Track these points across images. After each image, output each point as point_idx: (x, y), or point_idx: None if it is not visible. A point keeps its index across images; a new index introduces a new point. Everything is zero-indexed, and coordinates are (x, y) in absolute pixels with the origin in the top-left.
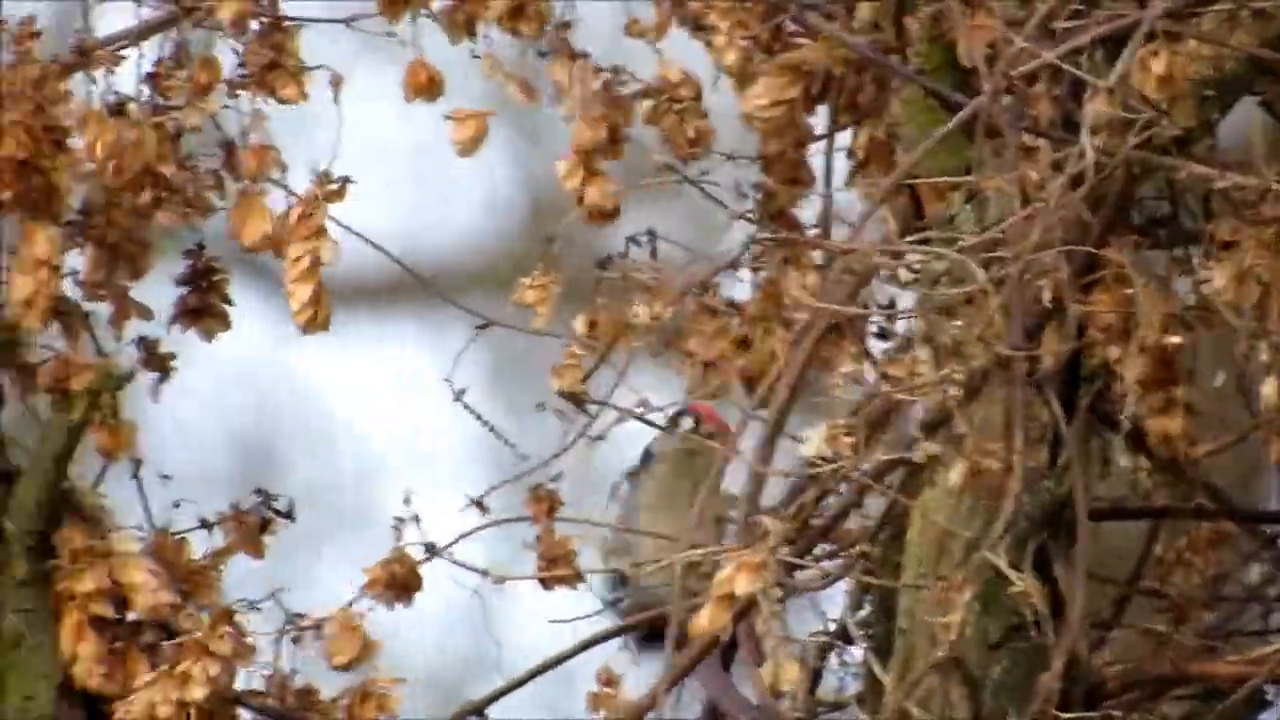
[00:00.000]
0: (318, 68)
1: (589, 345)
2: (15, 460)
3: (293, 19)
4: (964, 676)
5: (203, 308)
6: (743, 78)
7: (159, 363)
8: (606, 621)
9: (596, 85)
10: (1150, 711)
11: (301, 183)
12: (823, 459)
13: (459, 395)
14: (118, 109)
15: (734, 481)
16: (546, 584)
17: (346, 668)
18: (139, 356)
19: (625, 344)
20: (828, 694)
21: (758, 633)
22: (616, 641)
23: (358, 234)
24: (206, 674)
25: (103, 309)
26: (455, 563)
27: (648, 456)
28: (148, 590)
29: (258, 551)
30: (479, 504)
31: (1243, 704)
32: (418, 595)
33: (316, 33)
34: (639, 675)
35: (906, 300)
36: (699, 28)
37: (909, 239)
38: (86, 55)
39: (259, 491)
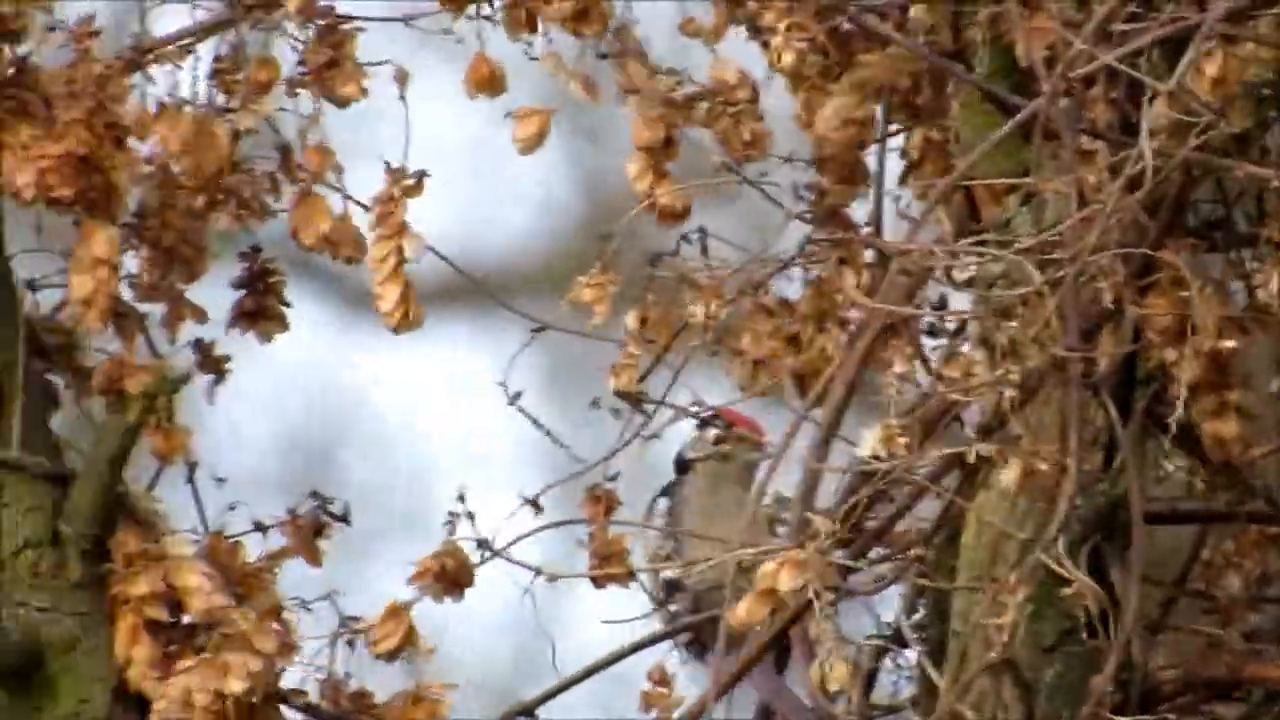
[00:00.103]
0: (381, 63)
1: (645, 345)
2: (70, 464)
3: (351, 18)
4: (1017, 679)
5: (259, 310)
6: (796, 79)
7: (214, 365)
8: (659, 622)
9: (657, 86)
10: (1205, 715)
11: (358, 183)
12: (877, 459)
13: (514, 398)
14: (180, 107)
15: (783, 484)
16: (599, 582)
17: (390, 657)
18: (194, 359)
19: (681, 343)
20: (882, 697)
21: (811, 635)
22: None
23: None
24: (247, 668)
25: (158, 311)
26: (509, 560)
27: (681, 467)
28: (202, 594)
29: (314, 558)
30: (534, 504)
31: None
32: (472, 596)
33: (373, 31)
34: (689, 676)
35: (956, 300)
36: (756, 29)
37: (965, 241)
38: (146, 54)
39: (314, 494)
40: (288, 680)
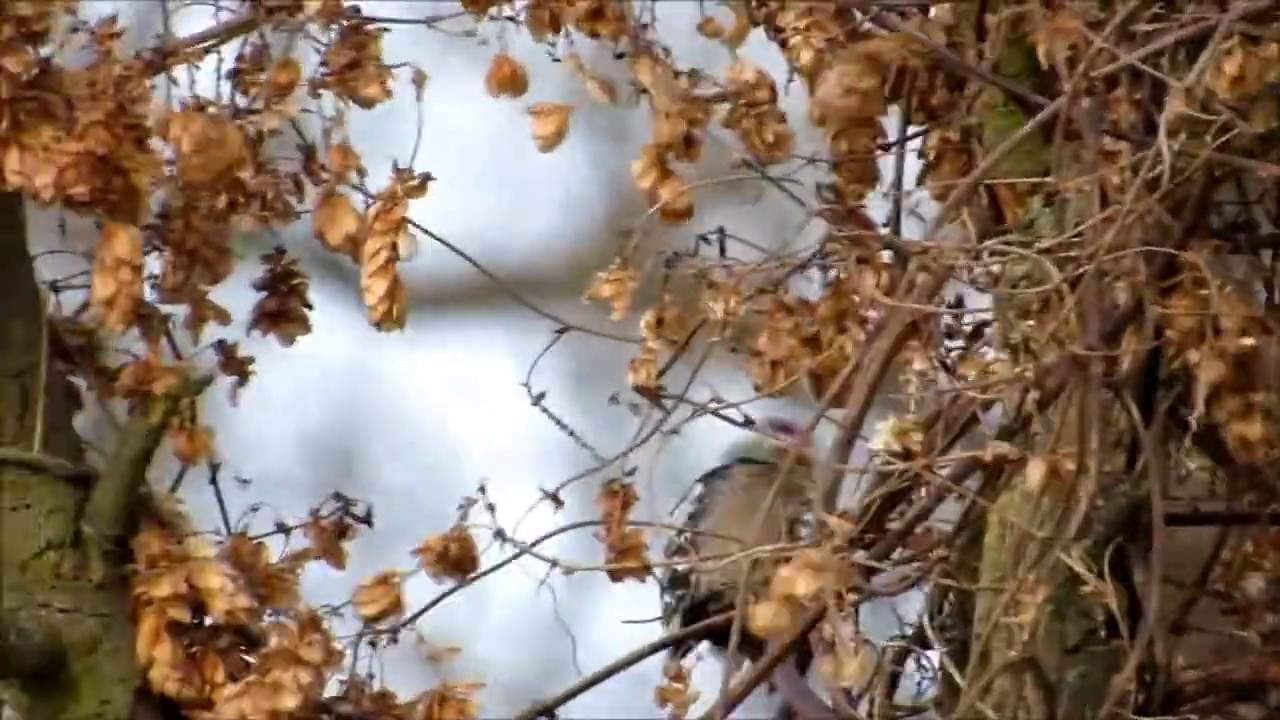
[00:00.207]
0: (401, 65)
1: (665, 341)
2: (92, 465)
3: (373, 19)
4: (1040, 680)
5: (281, 312)
6: (814, 79)
7: (237, 367)
8: (679, 622)
9: (677, 85)
10: (1228, 716)
11: (382, 184)
12: (894, 455)
13: (537, 399)
14: (198, 109)
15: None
16: (615, 576)
17: (373, 621)
18: (217, 360)
19: (701, 340)
20: (905, 698)
21: (825, 636)
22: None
23: (440, 239)
24: (298, 682)
25: (181, 313)
26: (532, 554)
27: (728, 462)
28: (225, 595)
29: (338, 560)
30: (553, 497)
31: None
32: (494, 595)
33: (397, 33)
34: (704, 674)
35: (971, 299)
36: (776, 29)
37: (989, 242)
38: (168, 55)
39: (337, 496)
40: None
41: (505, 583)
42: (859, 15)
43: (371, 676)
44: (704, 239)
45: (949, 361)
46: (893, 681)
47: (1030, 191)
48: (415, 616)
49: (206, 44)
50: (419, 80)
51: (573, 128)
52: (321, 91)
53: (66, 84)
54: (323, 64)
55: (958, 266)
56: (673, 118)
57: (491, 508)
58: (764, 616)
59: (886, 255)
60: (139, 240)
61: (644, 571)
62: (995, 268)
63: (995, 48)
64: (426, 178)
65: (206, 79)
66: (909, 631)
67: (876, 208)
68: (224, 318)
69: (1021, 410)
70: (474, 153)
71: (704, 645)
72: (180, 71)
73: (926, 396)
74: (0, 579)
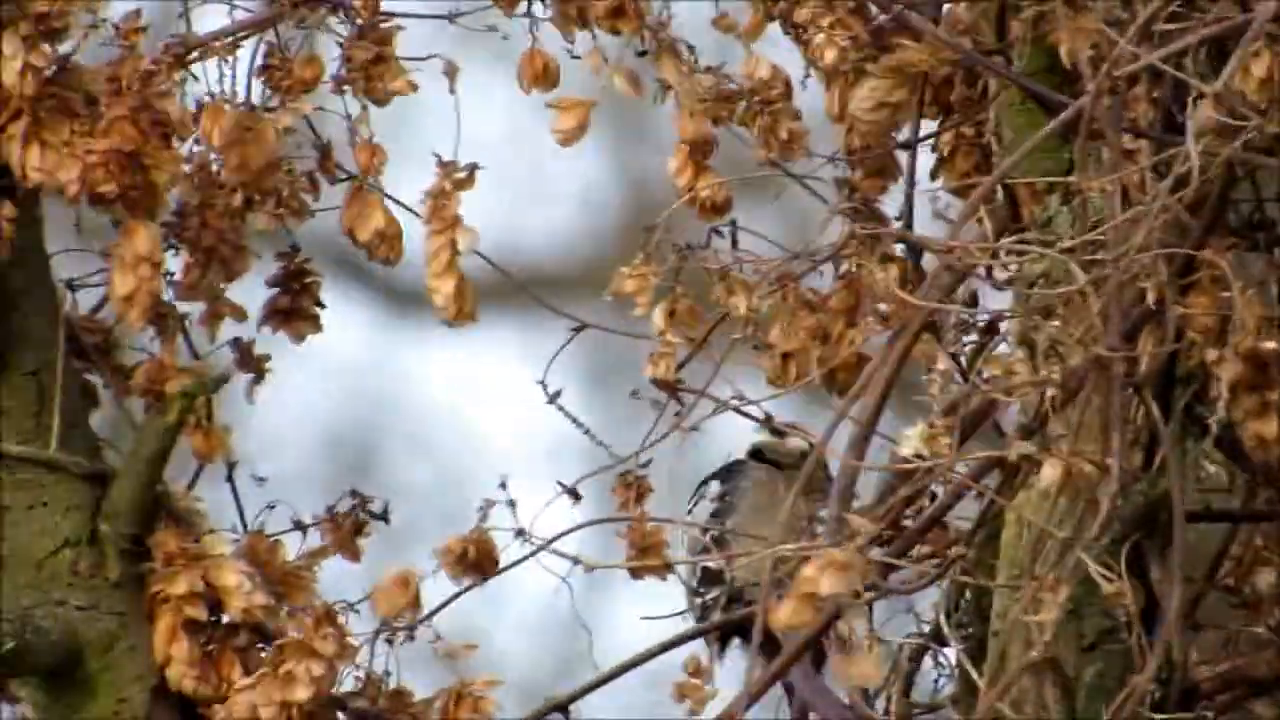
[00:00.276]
0: (424, 58)
1: (682, 335)
2: (109, 462)
3: (394, 14)
4: (1059, 678)
5: (293, 310)
6: (831, 75)
7: (255, 365)
8: (695, 618)
9: (700, 82)
10: (1244, 712)
11: (397, 181)
12: (920, 457)
13: (553, 397)
14: (226, 104)
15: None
16: (636, 574)
17: (389, 619)
18: (234, 358)
19: (718, 335)
20: (922, 696)
21: (840, 634)
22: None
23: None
24: (310, 674)
25: (197, 311)
26: (550, 551)
27: (751, 457)
28: (241, 593)
29: (354, 555)
30: (572, 492)
31: None
32: (512, 593)
33: (413, 28)
34: (722, 669)
35: (984, 297)
36: (792, 25)
37: (1007, 240)
38: (190, 52)
39: (353, 493)
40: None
41: (522, 579)
42: (878, 12)
43: (388, 674)
44: (716, 232)
45: (962, 357)
46: (909, 679)
47: (1047, 189)
48: (432, 614)
49: (230, 39)
50: (450, 72)
51: (593, 125)
52: (344, 88)
53: (86, 80)
54: (346, 60)
55: (978, 265)
56: (697, 116)
57: (512, 504)
58: (785, 614)
59: (898, 249)
60: (158, 237)
61: (665, 570)
62: (1013, 266)
63: (1021, 48)
64: (473, 168)
65: (225, 75)
66: (926, 629)
67: (887, 200)
68: (241, 315)
69: (1040, 409)
70: (488, 150)
71: (736, 641)
72: (200, 68)
73: (951, 397)
74: (16, 576)
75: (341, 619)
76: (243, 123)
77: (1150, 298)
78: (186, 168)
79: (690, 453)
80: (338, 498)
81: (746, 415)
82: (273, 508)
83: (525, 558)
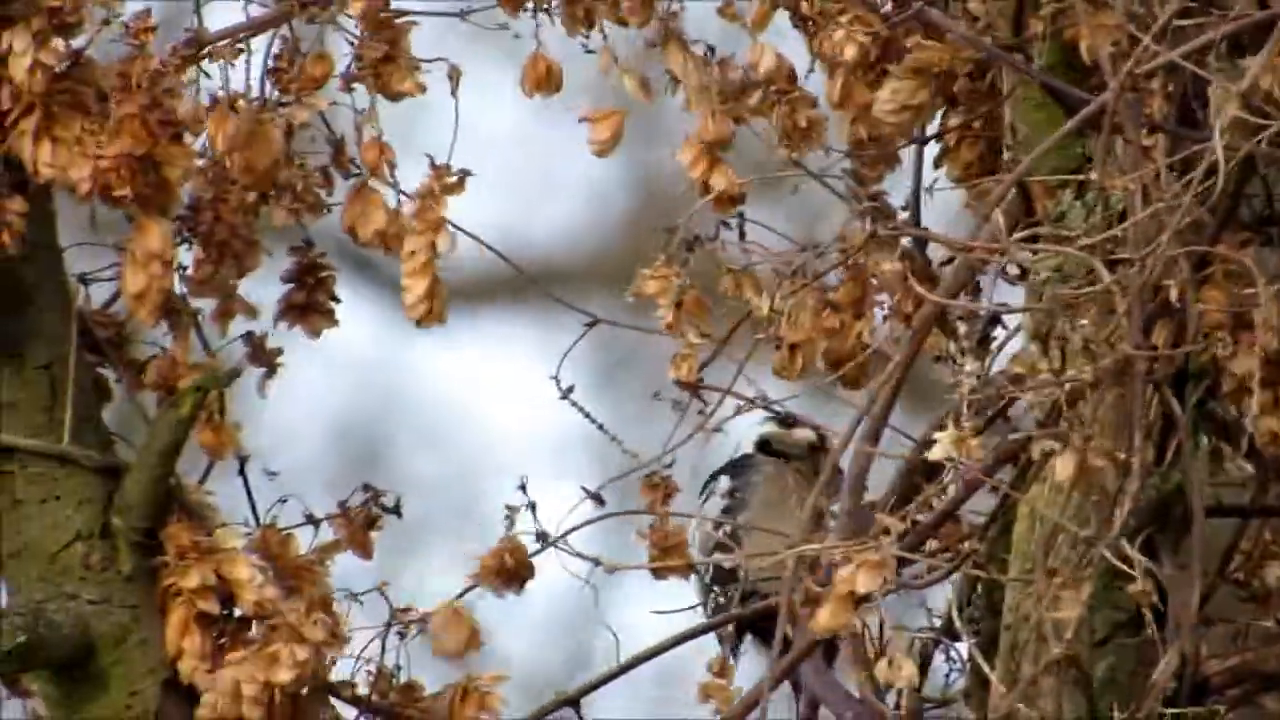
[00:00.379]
0: (435, 60)
1: (695, 329)
2: (121, 456)
3: (404, 13)
4: (1079, 675)
5: (308, 305)
6: (836, 66)
7: (266, 359)
8: (708, 613)
9: (713, 76)
10: (1255, 706)
11: (409, 178)
12: (948, 460)
13: (566, 392)
14: (231, 104)
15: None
16: (658, 574)
17: (451, 657)
18: (246, 353)
19: (739, 334)
20: (934, 690)
21: (857, 630)
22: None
23: (472, 235)
24: (294, 658)
25: (209, 306)
26: (567, 551)
27: (759, 448)
28: (253, 586)
29: (365, 550)
30: (596, 497)
31: None
32: (530, 593)
33: (425, 26)
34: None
35: (996, 288)
36: (800, 17)
37: (1018, 235)
38: (201, 49)
39: (366, 487)
40: (338, 672)
41: (538, 580)
42: (893, 8)
43: (399, 668)
44: (725, 224)
45: (967, 348)
46: (921, 672)
47: (1061, 184)
48: (439, 609)
49: (239, 37)
50: (454, 75)
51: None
52: (354, 86)
53: (99, 78)
54: (357, 58)
55: (992, 260)
56: (719, 116)
57: (533, 506)
58: (826, 617)
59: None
60: (170, 233)
61: (687, 570)
62: (1027, 261)
63: (1041, 45)
64: (464, 174)
65: (238, 73)
66: (938, 623)
67: (892, 191)
68: (252, 312)
69: (1055, 404)
70: (496, 146)
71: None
72: (211, 66)
73: (976, 397)
74: (29, 570)
75: (342, 609)
76: (246, 124)
77: (1173, 295)
78: (200, 163)
79: (711, 452)
80: (349, 492)
81: (770, 413)
82: (284, 501)
83: (536, 552)
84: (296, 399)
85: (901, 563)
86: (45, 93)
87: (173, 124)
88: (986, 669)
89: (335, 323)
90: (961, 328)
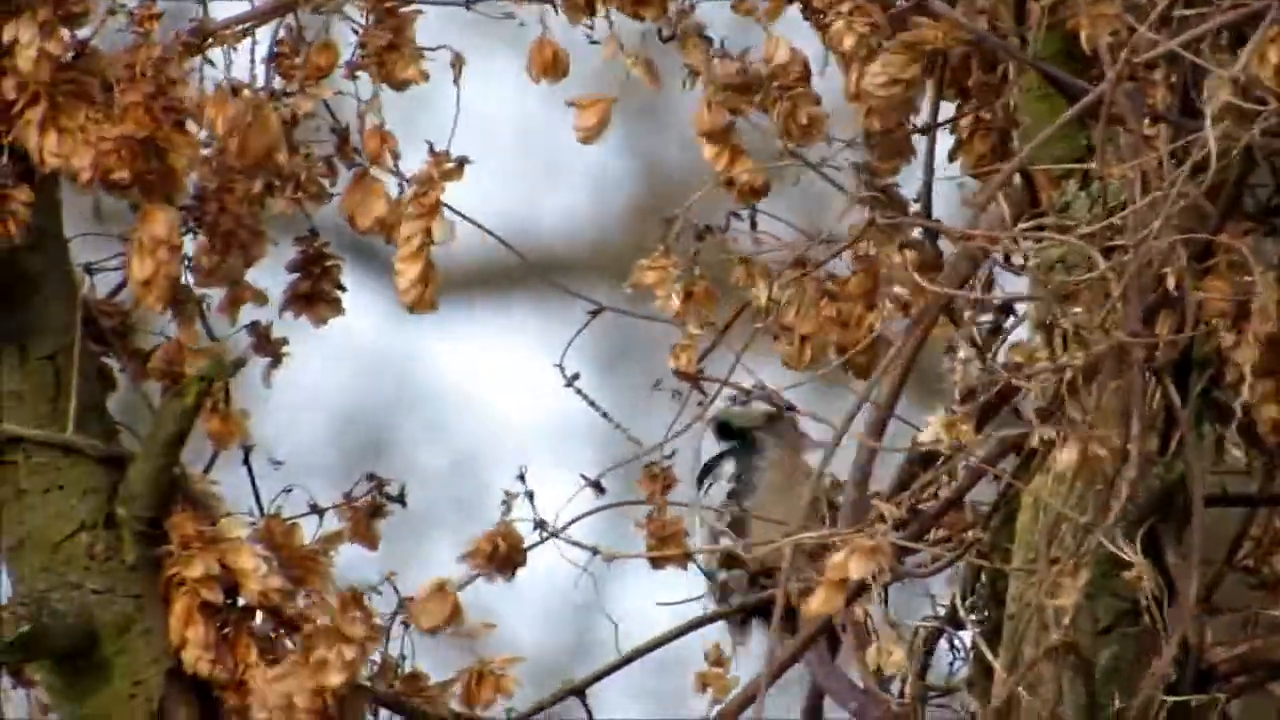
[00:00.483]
0: (438, 48)
1: (703, 324)
2: (126, 446)
3: (411, 1)
4: (1079, 662)
5: (314, 294)
6: (850, 61)
7: (271, 349)
8: (711, 604)
9: (726, 69)
10: (1262, 695)
11: (413, 167)
12: (937, 443)
13: (570, 380)
14: (234, 92)
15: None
16: (656, 563)
17: (433, 632)
18: (251, 342)
19: (740, 324)
20: (938, 678)
21: (859, 617)
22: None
23: (475, 222)
24: (342, 659)
25: (215, 295)
26: (567, 540)
27: (728, 432)
28: (258, 576)
29: (370, 540)
30: (596, 486)
31: None
32: (525, 579)
33: (429, 14)
34: (738, 656)
35: (1001, 278)
36: (811, 10)
37: (1024, 225)
38: (206, 37)
39: (370, 476)
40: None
41: (533, 565)
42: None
43: (404, 657)
44: (735, 215)
45: (978, 340)
46: (925, 662)
47: (1065, 174)
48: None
49: (244, 26)
50: (457, 63)
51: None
52: (357, 75)
53: (104, 66)
54: (360, 46)
55: (996, 250)
56: (715, 108)
57: (530, 495)
58: (817, 602)
59: (916, 232)
60: (176, 221)
61: (686, 559)
62: (1030, 250)
63: (1039, 33)
64: (463, 161)
65: (243, 61)
66: (941, 612)
67: (905, 184)
68: (261, 299)
69: (1057, 393)
70: (500, 133)
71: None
72: (217, 54)
73: (969, 383)
74: (33, 560)
75: (365, 599)
76: (245, 111)
77: (1170, 283)
78: (205, 152)
79: (708, 442)
80: (354, 481)
81: (770, 403)
82: (289, 491)
83: (538, 543)
84: (299, 388)
85: (906, 552)
86: (51, 82)
87: (177, 110)
88: (990, 657)
89: (341, 311)
90: (968, 316)
